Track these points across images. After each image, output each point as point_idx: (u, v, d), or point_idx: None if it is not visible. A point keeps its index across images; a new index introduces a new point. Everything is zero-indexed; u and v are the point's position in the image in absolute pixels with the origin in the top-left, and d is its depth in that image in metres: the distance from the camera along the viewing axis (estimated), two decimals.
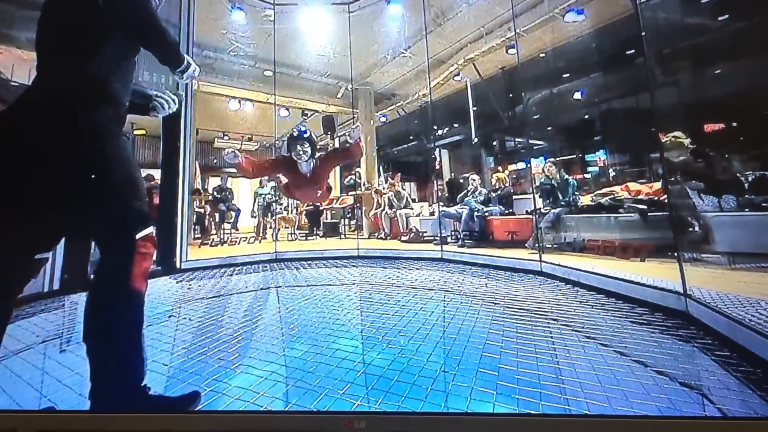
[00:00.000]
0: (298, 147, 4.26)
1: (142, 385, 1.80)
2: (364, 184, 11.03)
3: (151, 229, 1.90)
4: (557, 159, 9.63)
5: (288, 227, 10.29)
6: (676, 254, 3.78)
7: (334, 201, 10.83)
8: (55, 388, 2.21)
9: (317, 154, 4.47)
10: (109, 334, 1.75)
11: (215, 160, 14.21)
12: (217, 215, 9.64)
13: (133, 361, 1.79)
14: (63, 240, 4.59)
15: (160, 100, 2.25)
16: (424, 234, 8.37)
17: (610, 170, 10.46)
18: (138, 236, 1.83)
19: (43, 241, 1.82)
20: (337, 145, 11.86)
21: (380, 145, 12.96)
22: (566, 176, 6.70)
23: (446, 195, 10.64)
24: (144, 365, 1.82)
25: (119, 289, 1.77)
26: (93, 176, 1.75)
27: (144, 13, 1.86)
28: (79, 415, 1.83)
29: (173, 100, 2.31)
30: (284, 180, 4.74)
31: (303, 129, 4.41)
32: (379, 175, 11.59)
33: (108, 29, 1.81)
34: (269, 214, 10.11)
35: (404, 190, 10.17)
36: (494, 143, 12.92)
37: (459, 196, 8.21)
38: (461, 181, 10.76)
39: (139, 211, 1.89)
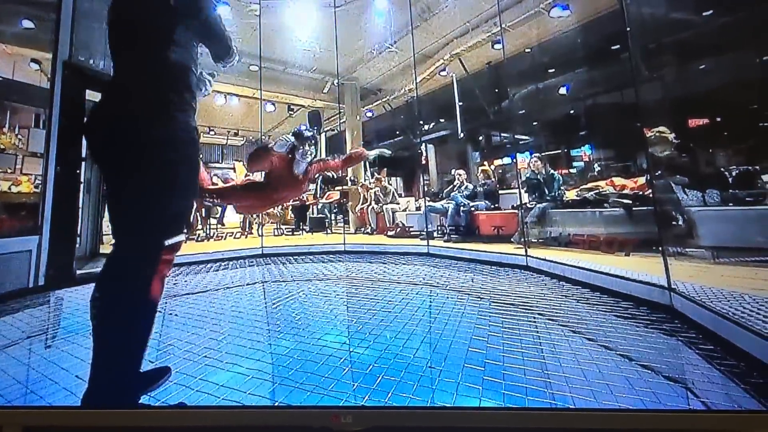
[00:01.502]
0: (307, 146, 4.21)
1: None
2: (350, 179, 10.98)
3: (181, 238, 1.84)
4: (543, 154, 9.65)
5: (274, 222, 10.22)
6: (660, 248, 3.81)
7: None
8: (41, 384, 2.17)
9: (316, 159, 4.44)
10: (119, 337, 1.70)
11: (201, 155, 14.09)
12: (203, 210, 9.55)
13: (133, 374, 1.76)
14: (47, 234, 4.58)
15: (201, 79, 2.14)
16: (411, 229, 8.36)
17: (596, 165, 10.52)
18: (168, 242, 1.77)
19: (168, 225, 1.80)
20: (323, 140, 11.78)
21: (367, 140, 12.88)
22: (552, 171, 6.72)
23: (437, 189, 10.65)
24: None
25: (137, 296, 1.70)
26: (167, 170, 1.77)
27: (210, 15, 1.96)
28: (64, 411, 1.81)
29: (210, 80, 2.25)
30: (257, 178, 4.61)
31: (308, 129, 4.35)
32: (366, 170, 11.55)
33: (179, 24, 1.85)
34: None
35: (391, 185, 10.15)
36: (480, 138, 12.95)
37: (445, 191, 8.22)
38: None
39: (183, 217, 1.89)
